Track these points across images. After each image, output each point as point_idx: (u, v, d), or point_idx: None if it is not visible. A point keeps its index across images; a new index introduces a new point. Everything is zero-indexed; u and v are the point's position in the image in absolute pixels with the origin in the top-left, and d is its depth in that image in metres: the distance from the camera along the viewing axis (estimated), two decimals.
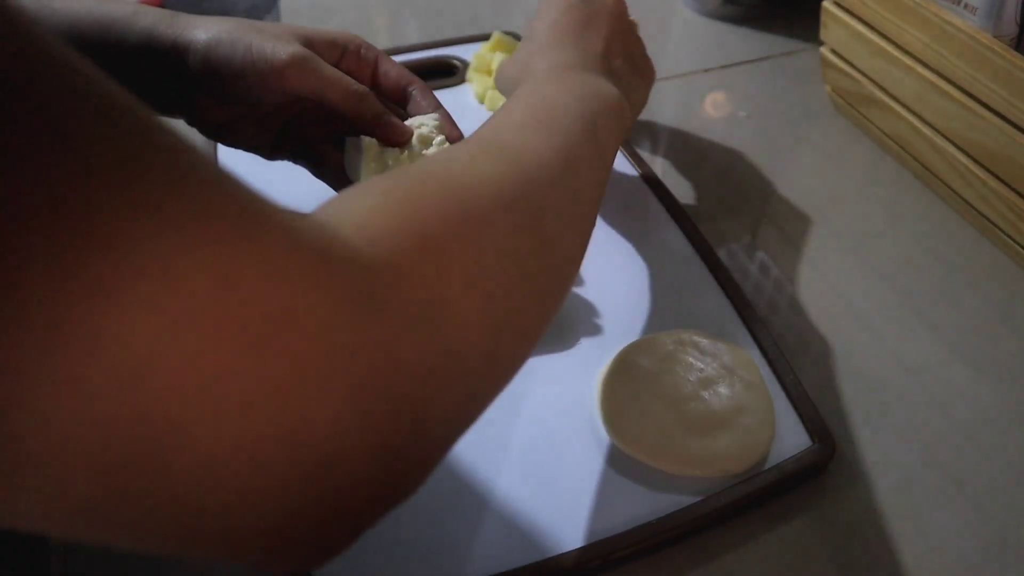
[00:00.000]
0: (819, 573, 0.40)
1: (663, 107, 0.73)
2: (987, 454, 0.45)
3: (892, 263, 0.57)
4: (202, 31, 0.44)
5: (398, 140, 0.46)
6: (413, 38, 0.79)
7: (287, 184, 0.54)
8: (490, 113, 0.66)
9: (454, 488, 0.42)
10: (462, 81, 0.70)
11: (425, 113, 0.48)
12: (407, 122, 0.47)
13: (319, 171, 0.50)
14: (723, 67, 0.77)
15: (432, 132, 0.46)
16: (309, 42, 0.46)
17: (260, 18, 0.77)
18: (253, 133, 0.48)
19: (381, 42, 0.81)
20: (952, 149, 0.58)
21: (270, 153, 0.50)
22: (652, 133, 0.69)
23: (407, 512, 0.40)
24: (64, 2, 0.45)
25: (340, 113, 0.46)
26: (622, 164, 0.62)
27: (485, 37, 0.73)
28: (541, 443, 0.44)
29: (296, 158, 0.50)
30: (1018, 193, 0.53)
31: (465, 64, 0.72)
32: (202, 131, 0.48)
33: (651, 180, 0.60)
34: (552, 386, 0.46)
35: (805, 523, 0.42)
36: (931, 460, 0.45)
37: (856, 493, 0.43)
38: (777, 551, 0.41)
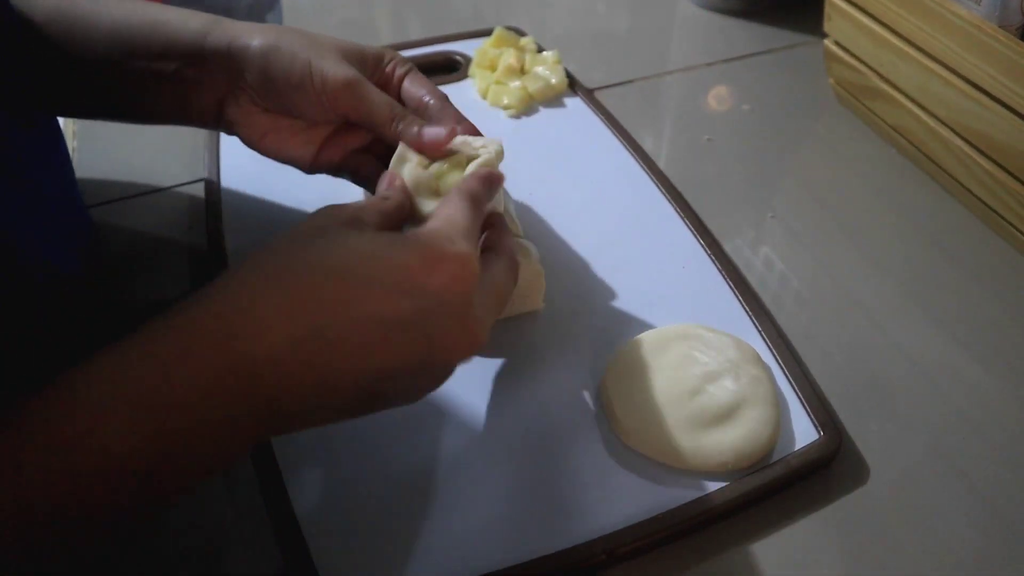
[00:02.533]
0: (826, 567, 0.40)
1: (667, 101, 0.73)
2: (993, 446, 0.45)
3: (897, 255, 0.57)
4: (257, 38, 0.45)
5: (432, 153, 0.45)
6: (415, 34, 0.79)
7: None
8: (492, 108, 0.67)
9: (458, 484, 0.42)
10: (464, 77, 0.70)
11: (442, 124, 0.46)
12: (475, 142, 0.45)
13: (361, 182, 0.50)
14: (726, 61, 0.77)
15: (489, 156, 0.44)
16: (362, 58, 0.46)
17: (262, 15, 0.77)
18: (296, 144, 0.48)
19: (383, 38, 0.81)
20: (957, 140, 0.57)
21: (310, 166, 0.49)
22: (655, 127, 0.69)
23: (411, 508, 0.40)
24: (120, 5, 0.46)
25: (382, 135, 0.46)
26: (626, 158, 0.62)
27: (487, 33, 0.72)
28: (546, 438, 0.44)
29: (337, 171, 0.50)
30: (1023, 183, 0.53)
31: (467, 60, 0.71)
32: (243, 140, 0.48)
33: (655, 174, 0.60)
34: (557, 380, 0.46)
35: (812, 516, 0.42)
36: (937, 452, 0.45)
37: (862, 486, 0.43)
38: (784, 545, 0.41)
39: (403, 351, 0.33)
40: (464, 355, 0.36)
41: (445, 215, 0.37)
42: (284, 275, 0.32)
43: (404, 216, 0.40)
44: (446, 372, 0.36)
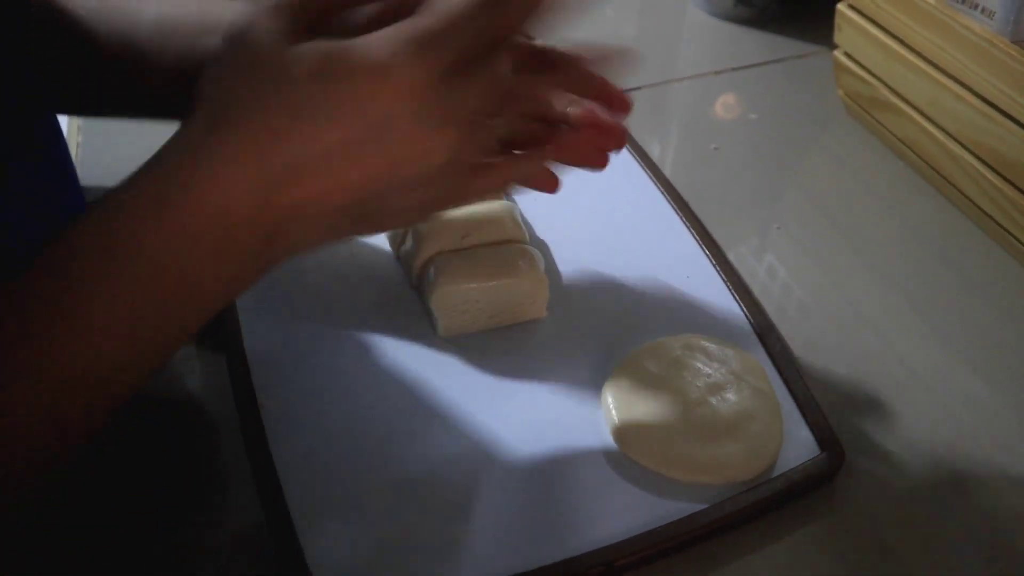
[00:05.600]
0: None
1: (674, 108, 0.72)
2: (996, 463, 0.45)
3: (903, 268, 0.56)
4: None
5: None
6: None
7: None
8: None
9: (456, 492, 0.41)
10: None
11: None
12: None
13: None
14: (734, 69, 0.76)
15: None
16: None
17: None
18: None
19: None
20: (966, 155, 0.57)
21: None
22: (662, 134, 0.68)
23: (407, 516, 0.40)
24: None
25: None
26: (632, 165, 0.62)
27: None
28: (546, 447, 0.43)
29: None
30: None
31: None
32: None
33: (660, 181, 0.60)
34: (558, 389, 0.46)
35: (812, 532, 0.41)
36: (940, 468, 0.44)
37: (864, 502, 0.43)
38: (784, 560, 0.40)
39: (370, 166, 0.33)
40: (441, 156, 0.34)
41: (411, 20, 0.33)
42: (244, 122, 0.32)
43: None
44: (432, 179, 0.35)
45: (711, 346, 0.47)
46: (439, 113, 0.33)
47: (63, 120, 0.51)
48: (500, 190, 0.38)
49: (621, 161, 0.62)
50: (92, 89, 0.48)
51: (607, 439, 0.44)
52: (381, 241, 0.54)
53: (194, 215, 0.32)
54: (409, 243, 0.50)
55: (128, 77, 0.47)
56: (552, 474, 0.42)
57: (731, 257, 0.55)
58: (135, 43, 0.45)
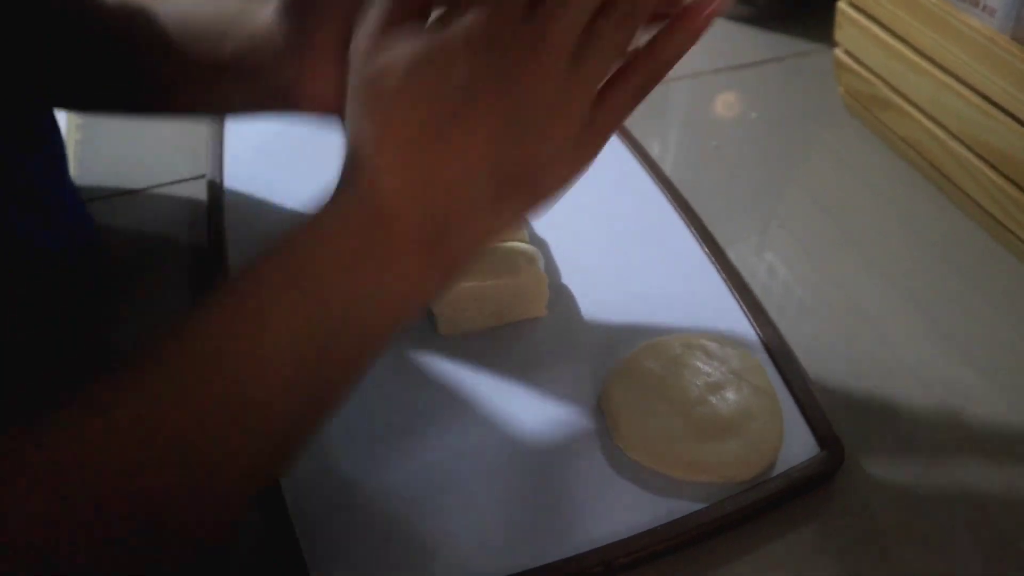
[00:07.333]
0: None
1: (674, 107, 0.72)
2: (997, 463, 0.44)
3: (904, 268, 0.56)
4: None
5: None
6: None
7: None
8: None
9: (455, 491, 0.41)
10: None
11: None
12: None
13: None
14: (734, 67, 0.76)
15: None
16: None
17: None
18: None
19: None
20: (967, 153, 0.57)
21: None
22: (662, 133, 0.68)
23: (407, 515, 0.40)
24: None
25: None
26: (631, 164, 0.61)
27: None
28: (545, 446, 0.43)
29: None
30: None
31: None
32: (316, 104, 0.45)
33: (661, 180, 0.59)
34: (558, 388, 0.46)
35: (812, 531, 0.41)
36: (940, 468, 0.44)
37: (864, 501, 0.43)
38: (783, 560, 0.40)
39: (488, 122, 0.33)
40: (549, 95, 0.33)
41: None
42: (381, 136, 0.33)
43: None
44: (558, 119, 0.34)
45: (711, 345, 0.46)
46: (512, 56, 0.33)
47: (61, 117, 0.51)
48: (643, 89, 0.38)
49: (621, 159, 0.62)
50: (112, 85, 0.47)
51: (607, 438, 0.43)
52: None
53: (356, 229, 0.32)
54: None
55: (151, 75, 0.46)
56: (552, 473, 0.42)
57: (731, 255, 0.55)
58: (160, 41, 0.45)
